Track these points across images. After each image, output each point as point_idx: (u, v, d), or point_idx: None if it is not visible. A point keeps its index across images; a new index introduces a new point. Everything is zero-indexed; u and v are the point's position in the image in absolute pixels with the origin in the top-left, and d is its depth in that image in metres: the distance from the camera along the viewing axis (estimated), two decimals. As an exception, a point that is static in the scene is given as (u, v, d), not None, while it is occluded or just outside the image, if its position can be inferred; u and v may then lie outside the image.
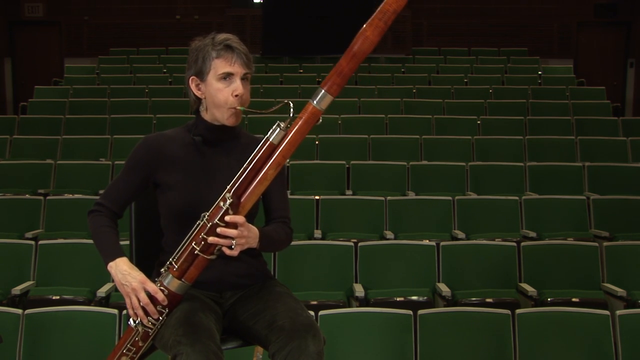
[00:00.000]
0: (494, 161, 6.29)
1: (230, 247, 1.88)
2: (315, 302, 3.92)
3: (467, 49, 11.17)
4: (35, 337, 3.30)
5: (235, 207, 1.87)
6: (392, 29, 11.02)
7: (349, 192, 5.78)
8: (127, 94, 8.65)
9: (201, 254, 1.89)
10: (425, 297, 4.06)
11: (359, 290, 4.06)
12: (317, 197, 5.19)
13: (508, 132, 7.11)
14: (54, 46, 11.92)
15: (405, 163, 6.06)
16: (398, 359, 3.36)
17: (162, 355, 2.01)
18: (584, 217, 5.21)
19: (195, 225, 1.90)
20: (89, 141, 6.72)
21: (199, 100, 2.09)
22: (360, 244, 4.37)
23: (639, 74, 11.50)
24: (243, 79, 2.04)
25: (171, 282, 1.91)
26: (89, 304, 3.90)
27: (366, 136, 6.73)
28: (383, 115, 7.46)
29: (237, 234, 1.86)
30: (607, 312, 3.42)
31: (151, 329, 1.94)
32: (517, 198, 5.27)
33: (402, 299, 4.04)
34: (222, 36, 2.04)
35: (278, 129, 1.88)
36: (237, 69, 2.01)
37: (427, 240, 4.57)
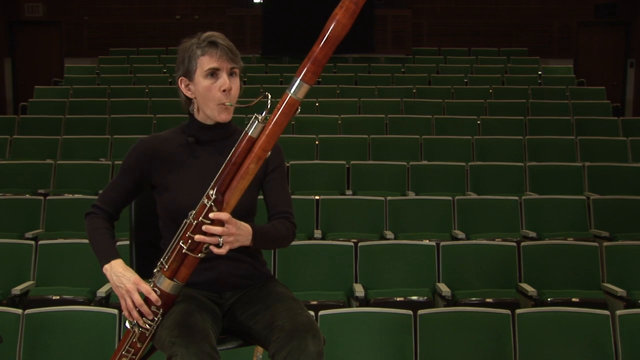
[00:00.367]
0: (494, 161, 6.29)
1: (218, 246, 1.87)
2: (315, 302, 3.92)
3: (467, 49, 11.17)
4: (35, 337, 3.31)
5: (219, 204, 1.86)
6: (392, 29, 11.03)
7: (349, 192, 5.78)
8: (127, 94, 8.65)
9: (189, 253, 1.88)
10: (425, 297, 4.06)
11: (359, 290, 4.06)
12: (317, 197, 5.20)
13: (508, 132, 7.11)
14: (54, 46, 11.92)
15: (405, 163, 6.06)
16: (398, 359, 3.36)
17: (163, 357, 2.01)
18: (584, 217, 5.21)
19: (183, 224, 1.89)
20: (89, 141, 6.73)
21: (189, 101, 2.10)
22: (360, 244, 4.37)
23: (639, 74, 11.50)
24: (231, 74, 2.04)
25: (163, 282, 1.91)
26: (89, 304, 3.90)
27: (366, 136, 6.73)
28: (383, 115, 7.47)
29: (223, 231, 1.85)
30: (607, 312, 3.42)
31: (147, 330, 1.94)
32: (517, 198, 5.27)
33: (402, 299, 4.04)
34: (206, 34, 2.05)
35: (256, 122, 1.86)
36: (223, 63, 2.01)
37: (427, 240, 4.57)
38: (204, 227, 1.85)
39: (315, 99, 8.12)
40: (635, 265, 4.32)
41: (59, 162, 6.14)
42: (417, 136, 6.81)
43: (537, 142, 6.78)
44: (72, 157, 6.48)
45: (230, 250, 1.89)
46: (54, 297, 3.99)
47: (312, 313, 2.07)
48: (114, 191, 2.10)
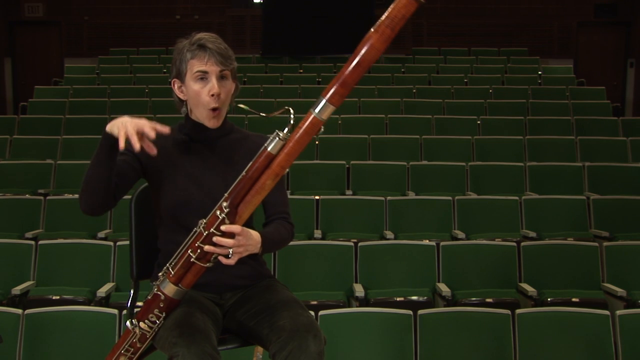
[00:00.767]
0: (494, 161, 6.29)
1: (227, 256, 1.87)
2: (315, 302, 3.92)
3: (467, 49, 11.17)
4: (35, 337, 3.30)
5: (232, 217, 1.85)
6: (392, 29, 11.02)
7: (349, 192, 5.78)
8: (127, 94, 8.65)
9: (197, 262, 1.87)
10: (425, 297, 4.06)
11: (359, 290, 4.06)
12: (317, 197, 5.20)
13: (508, 132, 7.11)
14: (54, 46, 11.92)
15: (405, 163, 6.06)
16: (398, 359, 3.36)
17: (162, 356, 2.01)
18: (584, 217, 5.21)
19: (192, 233, 1.88)
20: (89, 141, 6.71)
21: (182, 102, 2.10)
22: (360, 244, 4.37)
23: (639, 74, 11.50)
24: (221, 77, 2.03)
25: (167, 286, 1.91)
26: (89, 304, 3.90)
27: (366, 136, 6.73)
28: (383, 115, 7.47)
29: (234, 244, 1.85)
30: (607, 312, 3.42)
31: (148, 331, 1.94)
32: (517, 198, 5.27)
33: (402, 299, 4.04)
34: (197, 37, 2.04)
35: (277, 139, 1.82)
36: (211, 67, 2.01)
37: (427, 240, 4.57)
38: (214, 239, 1.84)
39: (315, 99, 8.09)
40: (635, 265, 4.32)
41: (59, 162, 6.14)
42: (417, 136, 6.81)
43: (537, 142, 6.78)
44: (72, 157, 6.48)
45: None
46: (54, 297, 3.99)
47: (312, 313, 2.06)
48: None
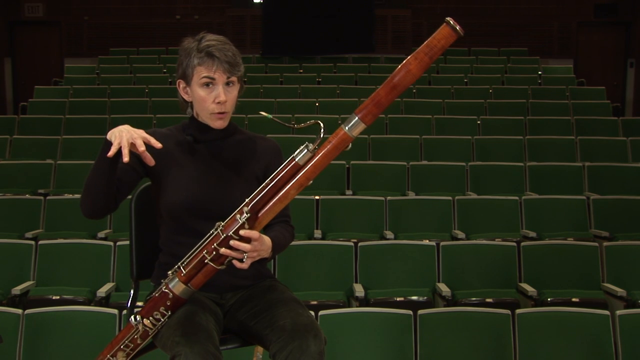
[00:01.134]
0: (494, 161, 6.29)
1: (241, 260, 1.88)
2: (315, 302, 3.92)
3: (467, 49, 11.17)
4: (35, 337, 3.31)
5: (251, 222, 1.86)
6: (392, 29, 11.04)
7: (349, 192, 5.78)
8: (127, 94, 8.65)
9: (211, 263, 1.88)
10: (425, 297, 4.06)
11: (359, 290, 4.06)
12: (317, 197, 5.20)
13: (508, 132, 7.11)
14: (54, 46, 11.92)
15: (405, 163, 6.06)
16: (398, 359, 3.36)
17: (160, 355, 2.01)
18: (584, 217, 5.21)
19: (209, 234, 1.88)
20: (89, 141, 6.72)
21: (186, 103, 2.10)
22: (360, 244, 4.37)
23: (639, 74, 11.50)
24: (227, 84, 2.03)
25: (177, 285, 1.91)
26: (89, 304, 3.90)
27: (366, 136, 6.73)
28: (383, 115, 7.46)
29: (250, 249, 1.86)
30: (607, 312, 3.43)
31: (151, 328, 1.94)
32: (517, 198, 5.27)
33: (402, 299, 4.04)
34: (206, 42, 2.01)
35: (305, 150, 1.85)
36: (218, 75, 2.00)
37: (427, 240, 4.57)
38: (231, 242, 1.85)
39: (315, 99, 8.13)
40: (635, 265, 4.32)
41: (59, 162, 6.14)
42: (417, 136, 6.81)
43: (537, 142, 6.78)
44: (72, 157, 6.48)
45: None
46: (54, 297, 3.99)
47: (312, 313, 2.07)
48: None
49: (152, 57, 10.79)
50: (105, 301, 3.97)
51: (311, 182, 1.88)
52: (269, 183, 1.87)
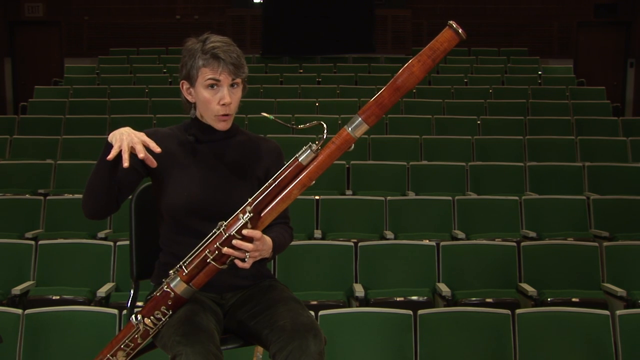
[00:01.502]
0: (494, 161, 6.29)
1: (243, 260, 1.88)
2: (315, 302, 3.92)
3: (467, 49, 11.17)
4: (35, 337, 3.31)
5: (254, 222, 1.86)
6: (392, 29, 11.03)
7: (349, 192, 5.78)
8: (127, 94, 8.65)
9: (213, 263, 1.88)
10: (425, 297, 4.06)
11: (359, 290, 4.06)
12: (317, 197, 5.20)
13: (508, 132, 7.11)
14: (54, 46, 11.92)
15: (405, 163, 6.06)
16: (398, 359, 3.36)
17: (160, 355, 2.01)
18: (584, 217, 5.21)
19: (211, 234, 1.89)
20: (89, 141, 6.72)
21: (190, 104, 2.10)
22: (360, 244, 4.37)
23: (639, 74, 11.50)
24: (232, 85, 2.03)
25: (178, 285, 1.91)
26: (89, 304, 3.90)
27: (366, 136, 6.73)
28: (383, 115, 7.44)
29: (253, 248, 1.86)
30: (607, 312, 3.43)
31: (152, 328, 1.94)
32: (517, 198, 5.27)
33: (402, 299, 4.04)
34: (210, 43, 2.01)
35: (309, 150, 1.85)
36: (224, 77, 2.00)
37: (427, 240, 4.57)
38: (234, 242, 1.85)
39: (315, 99, 8.13)
40: (635, 265, 4.32)
41: (59, 162, 6.14)
42: (417, 136, 6.81)
43: (537, 142, 6.78)
44: (72, 157, 6.48)
45: None
46: (54, 297, 3.99)
47: (312, 313, 2.07)
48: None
49: (152, 57, 10.79)
50: (105, 301, 3.97)
51: (313, 182, 1.88)
52: (271, 183, 1.87)
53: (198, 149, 2.09)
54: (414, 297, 4.06)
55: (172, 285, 1.92)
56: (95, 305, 3.85)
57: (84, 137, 6.83)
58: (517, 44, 11.38)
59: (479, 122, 7.38)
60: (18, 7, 11.67)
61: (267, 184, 1.88)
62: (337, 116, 7.33)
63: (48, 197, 5.25)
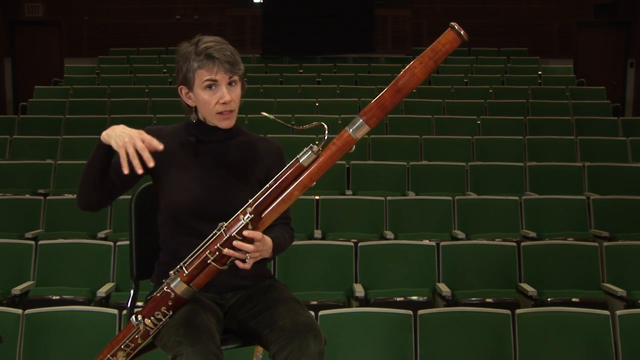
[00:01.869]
0: (494, 161, 6.29)
1: (243, 261, 1.88)
2: (315, 302, 3.92)
3: (467, 49, 11.17)
4: (35, 337, 3.30)
5: (255, 223, 1.86)
6: (392, 29, 11.03)
7: (349, 192, 5.78)
8: (127, 94, 8.65)
9: (213, 264, 1.88)
10: (425, 297, 4.06)
11: (359, 290, 4.06)
12: (317, 197, 5.20)
13: (508, 132, 7.11)
14: (54, 46, 11.92)
15: (405, 163, 6.06)
16: (398, 359, 3.36)
17: (160, 355, 2.01)
18: (584, 217, 5.21)
19: (212, 234, 1.89)
20: (89, 141, 6.71)
21: (190, 108, 2.09)
22: (360, 244, 4.37)
23: (639, 74, 11.50)
24: (230, 83, 2.03)
25: (178, 285, 1.91)
26: (89, 304, 3.90)
27: (367, 136, 6.73)
28: (384, 117, 7.45)
29: (253, 249, 1.86)
30: (607, 312, 3.43)
31: (152, 328, 1.94)
32: (517, 198, 5.27)
33: (402, 299, 4.04)
34: (203, 44, 2.01)
35: (310, 152, 1.86)
36: (220, 76, 2.00)
37: (427, 240, 4.57)
38: (235, 243, 1.85)
39: (315, 99, 8.12)
40: (635, 265, 4.32)
41: (59, 162, 6.14)
42: (417, 136, 6.81)
43: (537, 142, 6.78)
44: (72, 157, 6.48)
45: None
46: (54, 297, 3.99)
47: (312, 313, 2.07)
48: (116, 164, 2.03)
49: (152, 57, 10.79)
50: (105, 301, 3.97)
51: (314, 183, 1.88)
52: (272, 184, 1.87)
53: (199, 149, 2.09)
54: (414, 297, 4.06)
55: (172, 286, 1.92)
56: (95, 306, 3.85)
57: (84, 137, 6.83)
58: (517, 44, 11.38)
59: (479, 122, 7.38)
60: (18, 7, 11.67)
61: (267, 185, 1.88)
62: (337, 116, 7.33)
63: (48, 197, 5.25)
